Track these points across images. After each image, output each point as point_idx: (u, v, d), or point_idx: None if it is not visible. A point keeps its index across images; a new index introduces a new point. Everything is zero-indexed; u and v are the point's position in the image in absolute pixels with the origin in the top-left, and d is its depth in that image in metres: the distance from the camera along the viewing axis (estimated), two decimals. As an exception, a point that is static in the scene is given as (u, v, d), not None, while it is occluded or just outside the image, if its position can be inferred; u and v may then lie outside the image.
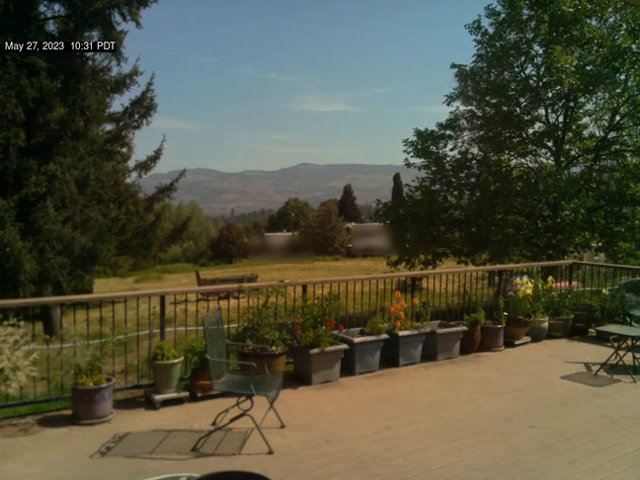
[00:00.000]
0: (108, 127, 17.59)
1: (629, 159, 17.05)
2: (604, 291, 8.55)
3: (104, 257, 15.66)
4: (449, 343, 7.00)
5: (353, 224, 73.35)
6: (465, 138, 19.59)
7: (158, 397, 5.25)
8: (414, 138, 19.29)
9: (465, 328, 7.10)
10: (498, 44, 18.10)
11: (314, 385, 5.93)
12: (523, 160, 19.29)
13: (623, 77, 16.53)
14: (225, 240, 61.54)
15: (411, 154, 19.34)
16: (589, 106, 18.07)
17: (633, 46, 16.07)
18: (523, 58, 17.97)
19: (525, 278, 7.78)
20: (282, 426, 4.74)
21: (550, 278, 8.37)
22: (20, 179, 14.03)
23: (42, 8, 15.30)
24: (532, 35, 17.79)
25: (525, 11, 17.50)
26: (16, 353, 4.40)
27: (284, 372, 5.88)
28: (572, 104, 17.49)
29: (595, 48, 16.78)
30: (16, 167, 13.81)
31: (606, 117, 17.98)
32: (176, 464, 4.06)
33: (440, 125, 19.46)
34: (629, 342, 6.44)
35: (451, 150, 19.57)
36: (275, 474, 3.83)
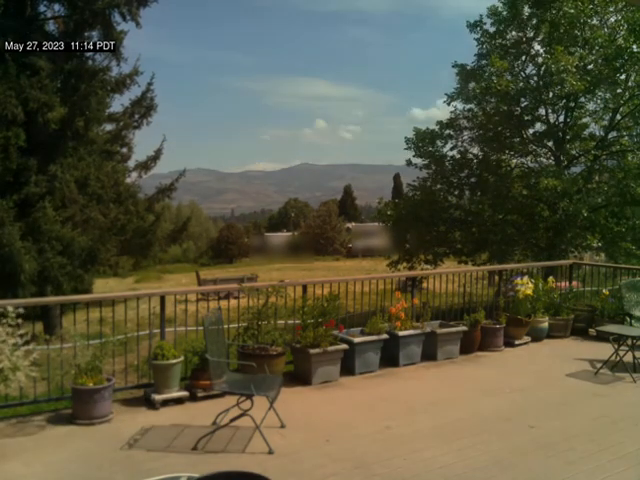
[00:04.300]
0: (108, 127, 17.65)
1: (630, 159, 17.04)
2: (604, 291, 8.55)
3: (104, 257, 15.70)
4: (449, 343, 7.00)
5: (353, 224, 73.41)
6: (465, 138, 19.60)
7: (158, 397, 5.25)
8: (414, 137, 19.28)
9: (465, 328, 7.10)
10: (498, 42, 18.09)
11: (314, 385, 5.93)
12: (523, 160, 19.29)
13: (623, 77, 16.55)
14: (225, 240, 61.45)
15: (412, 152, 19.34)
16: (590, 106, 18.10)
17: (634, 46, 16.08)
18: (524, 57, 17.97)
19: (525, 278, 7.79)
20: (282, 426, 4.74)
21: (550, 278, 8.37)
22: (20, 179, 14.05)
23: (42, 8, 15.39)
24: (533, 34, 17.79)
25: (526, 9, 17.50)
26: (16, 353, 4.40)
27: (284, 372, 5.87)
28: (572, 104, 17.49)
29: (596, 48, 16.79)
30: (16, 167, 13.83)
31: (607, 117, 17.99)
32: (176, 464, 4.05)
33: (440, 124, 19.44)
34: (629, 342, 6.44)
35: (451, 149, 19.58)
36: (275, 474, 3.81)
